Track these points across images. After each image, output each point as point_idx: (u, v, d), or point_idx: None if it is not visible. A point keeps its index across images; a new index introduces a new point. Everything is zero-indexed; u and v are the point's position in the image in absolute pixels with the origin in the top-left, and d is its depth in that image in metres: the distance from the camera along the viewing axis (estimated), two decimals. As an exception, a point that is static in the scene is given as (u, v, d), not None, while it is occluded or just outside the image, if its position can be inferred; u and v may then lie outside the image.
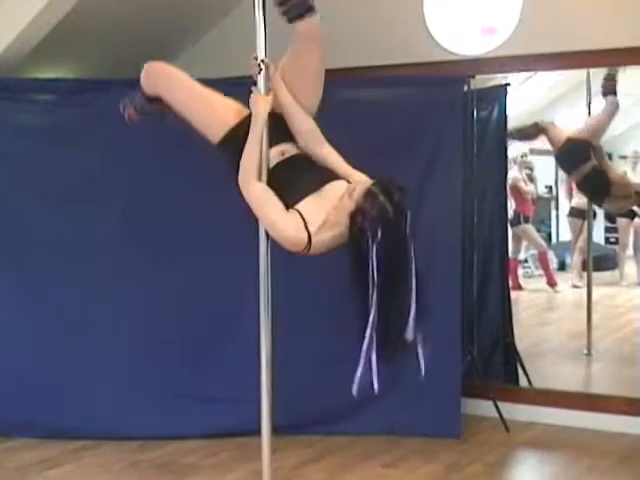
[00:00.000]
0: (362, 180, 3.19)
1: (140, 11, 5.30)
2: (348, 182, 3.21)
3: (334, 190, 3.18)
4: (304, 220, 3.09)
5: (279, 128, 3.30)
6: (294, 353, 4.70)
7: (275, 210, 3.13)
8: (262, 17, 3.28)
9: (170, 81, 3.49)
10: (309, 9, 3.12)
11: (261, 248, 3.48)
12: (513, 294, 5.95)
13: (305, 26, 3.14)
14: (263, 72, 3.27)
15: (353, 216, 3.03)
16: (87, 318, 5.04)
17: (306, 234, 3.07)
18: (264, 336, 3.49)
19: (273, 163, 3.26)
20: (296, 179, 3.24)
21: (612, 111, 5.86)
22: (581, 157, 5.85)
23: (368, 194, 3.01)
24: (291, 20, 3.13)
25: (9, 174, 5.05)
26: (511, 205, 6.46)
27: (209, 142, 3.41)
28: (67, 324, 5.04)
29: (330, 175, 3.26)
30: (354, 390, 2.99)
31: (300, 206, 3.13)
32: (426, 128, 5.06)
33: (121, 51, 5.61)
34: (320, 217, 3.11)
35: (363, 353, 2.99)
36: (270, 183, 3.20)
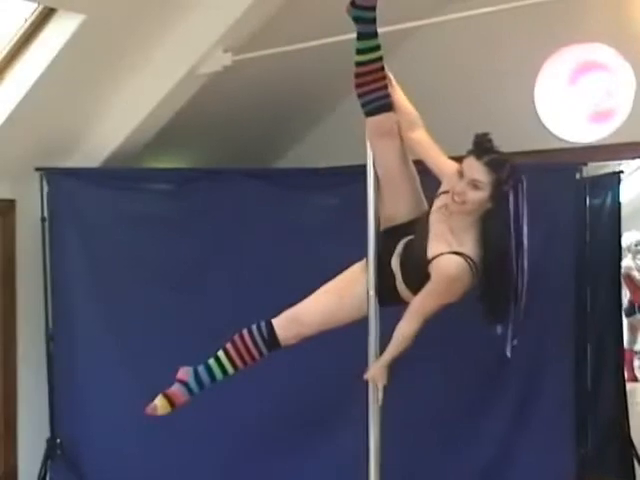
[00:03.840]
0: (450, 172, 3.31)
1: (251, 108, 5.44)
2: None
3: (434, 224, 3.31)
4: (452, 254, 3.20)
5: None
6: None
7: (431, 292, 3.25)
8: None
9: (303, 319, 3.64)
10: (385, 106, 3.29)
11: (370, 337, 3.47)
12: (629, 385, 5.79)
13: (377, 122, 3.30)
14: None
15: (496, 191, 3.22)
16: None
17: (459, 257, 3.18)
18: (373, 429, 3.45)
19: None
20: (415, 247, 3.35)
21: None
22: None
23: (491, 169, 3.24)
24: (367, 114, 3.30)
25: (125, 261, 5.10)
26: (625, 294, 6.32)
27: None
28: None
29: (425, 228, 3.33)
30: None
31: (434, 252, 3.22)
32: (537, 217, 4.96)
33: (234, 143, 5.75)
34: (449, 239, 3.23)
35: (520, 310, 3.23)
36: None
